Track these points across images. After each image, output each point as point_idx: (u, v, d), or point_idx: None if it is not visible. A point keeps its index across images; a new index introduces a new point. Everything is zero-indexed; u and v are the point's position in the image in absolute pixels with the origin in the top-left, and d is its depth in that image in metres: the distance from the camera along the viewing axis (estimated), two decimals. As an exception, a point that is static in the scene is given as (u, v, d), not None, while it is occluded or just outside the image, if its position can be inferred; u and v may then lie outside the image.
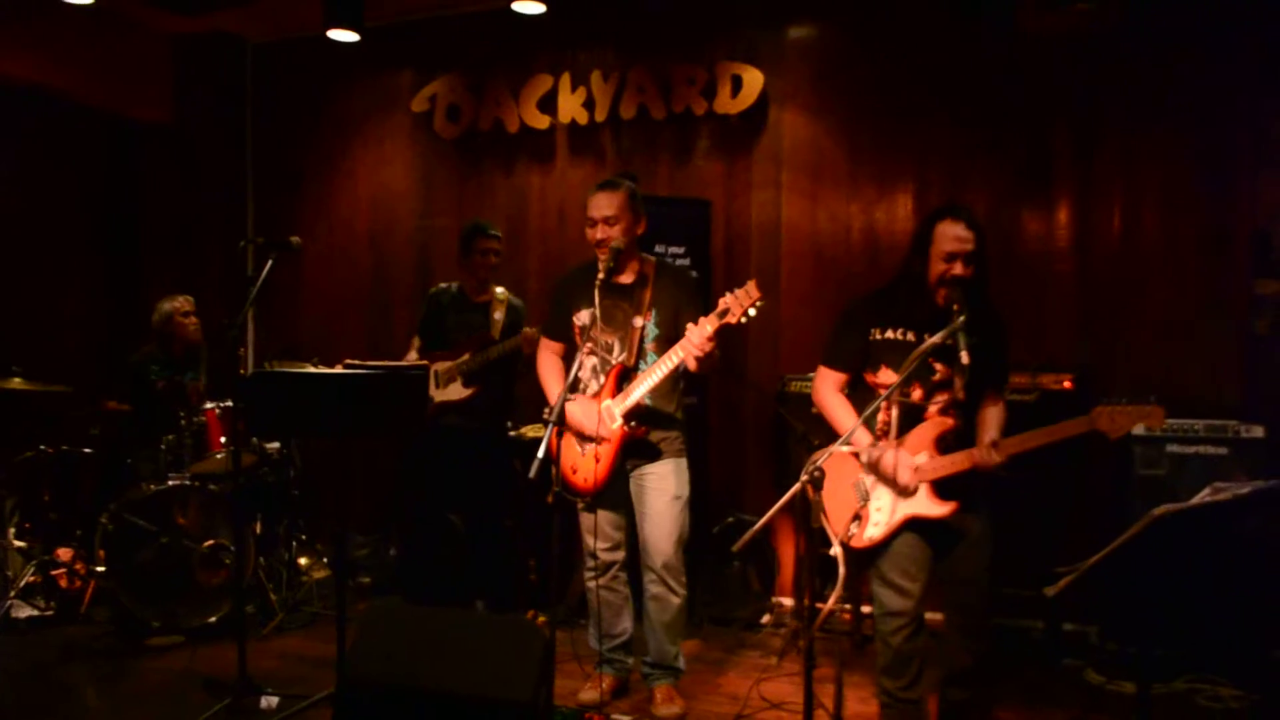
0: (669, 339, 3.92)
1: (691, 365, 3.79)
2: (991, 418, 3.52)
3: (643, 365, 3.98)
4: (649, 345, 4.00)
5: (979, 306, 3.42)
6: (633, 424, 3.94)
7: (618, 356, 4.02)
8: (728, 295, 3.64)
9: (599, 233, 3.96)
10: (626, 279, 4.06)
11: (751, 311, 3.60)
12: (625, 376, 3.97)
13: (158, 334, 5.74)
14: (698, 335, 3.67)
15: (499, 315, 5.33)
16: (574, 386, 4.03)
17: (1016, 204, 5.38)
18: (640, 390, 3.89)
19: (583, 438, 4.01)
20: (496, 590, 5.35)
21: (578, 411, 3.99)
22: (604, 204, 3.97)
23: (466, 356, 5.19)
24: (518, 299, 5.49)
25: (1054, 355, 5.04)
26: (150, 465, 5.32)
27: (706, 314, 3.72)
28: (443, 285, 5.49)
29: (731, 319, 3.62)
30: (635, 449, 4.02)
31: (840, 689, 3.31)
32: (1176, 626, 4.21)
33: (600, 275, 3.88)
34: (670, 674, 4.19)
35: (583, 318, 4.09)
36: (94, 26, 6.49)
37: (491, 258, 5.33)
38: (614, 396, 3.96)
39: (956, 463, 3.38)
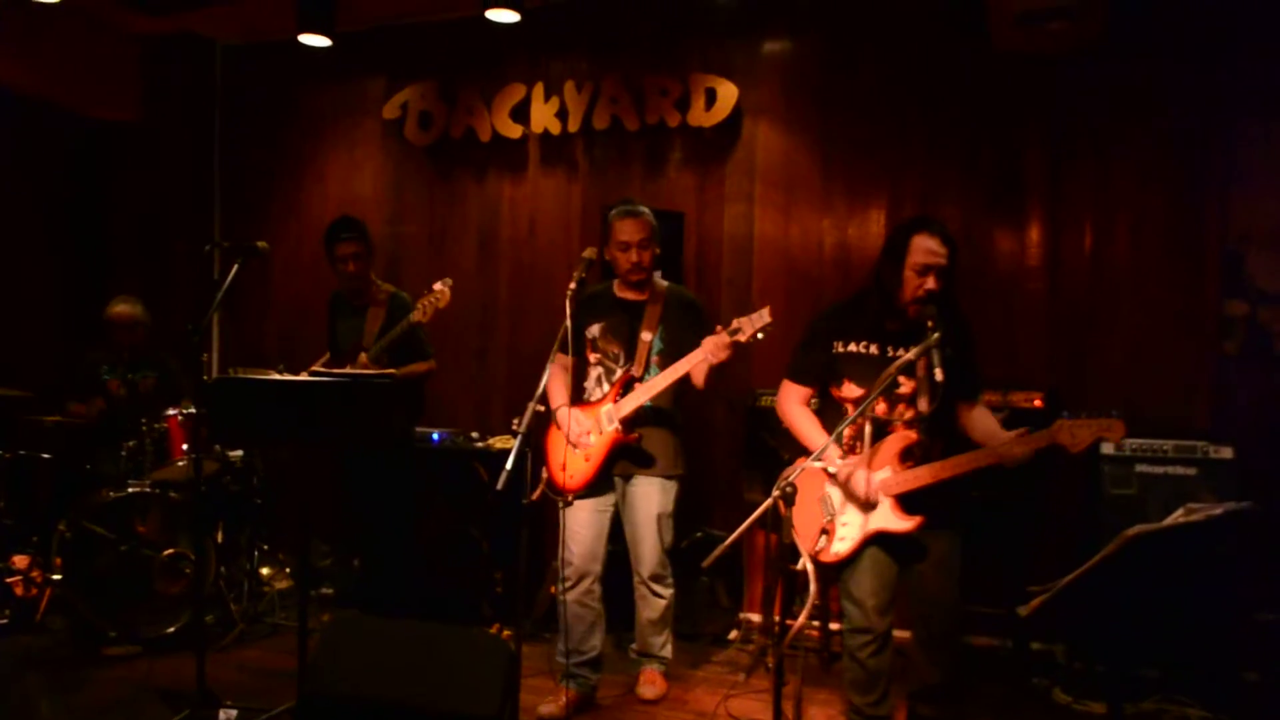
0: (672, 356, 4.13)
1: (699, 378, 4.04)
2: (990, 419, 3.53)
3: (647, 376, 4.17)
4: (654, 359, 4.20)
5: (950, 318, 3.43)
6: (627, 428, 4.12)
7: (624, 366, 4.20)
8: (742, 318, 3.82)
9: (633, 256, 4.18)
10: (639, 296, 4.29)
11: (759, 335, 3.78)
12: (630, 385, 4.15)
13: (105, 333, 5.70)
14: (715, 342, 3.82)
15: (378, 318, 5.08)
16: (578, 395, 4.30)
17: (989, 222, 5.39)
18: (643, 397, 4.10)
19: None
20: (445, 600, 5.27)
21: (568, 419, 4.19)
22: (635, 229, 4.19)
23: (348, 368, 4.97)
24: (404, 293, 5.22)
25: (1024, 373, 5.04)
26: (110, 471, 5.23)
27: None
28: (336, 291, 5.33)
29: (741, 337, 3.80)
30: (627, 454, 4.20)
31: (799, 705, 3.30)
32: (1146, 647, 4.22)
33: (572, 285, 3.88)
34: (656, 660, 4.47)
35: (592, 330, 4.31)
36: (61, 25, 6.39)
37: (350, 265, 5.09)
38: (616, 402, 4.14)
39: (920, 477, 3.39)
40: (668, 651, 4.49)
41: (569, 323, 3.95)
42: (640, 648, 4.49)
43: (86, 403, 5.62)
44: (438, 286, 4.92)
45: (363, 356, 4.99)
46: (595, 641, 4.30)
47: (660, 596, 4.35)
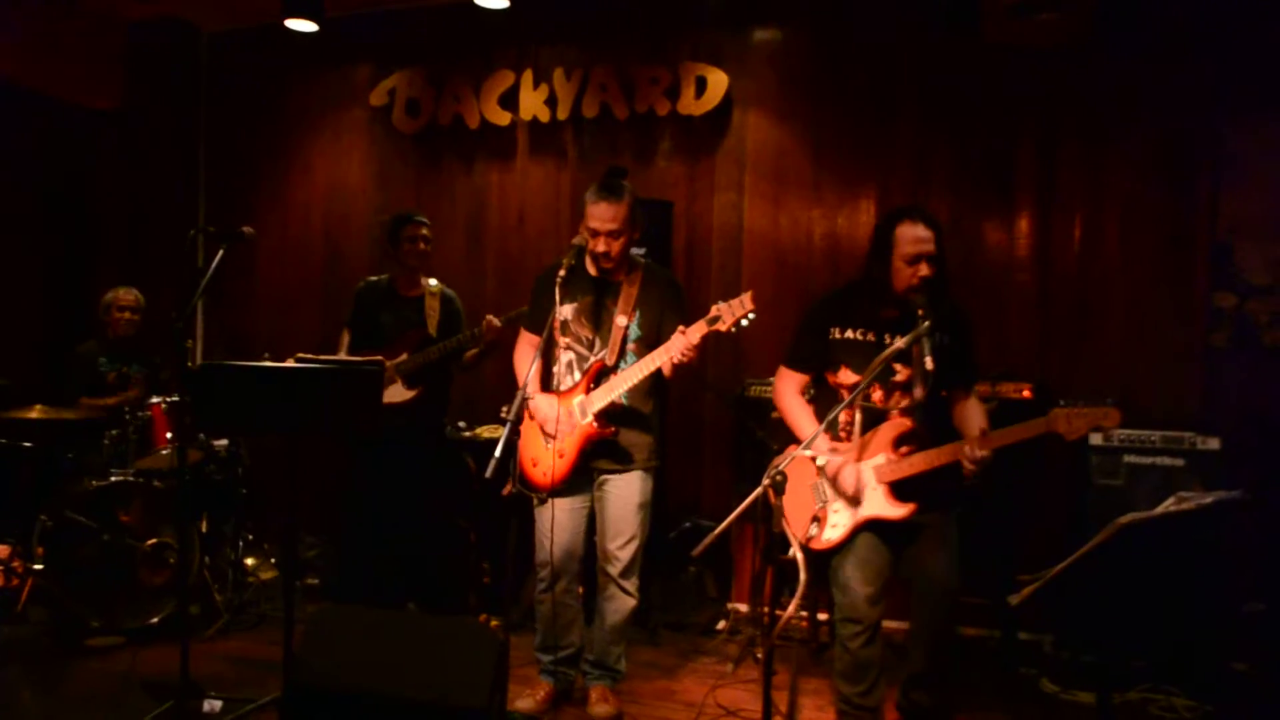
0: (650, 343, 3.88)
1: (668, 370, 3.75)
2: (974, 412, 3.52)
3: (622, 365, 3.91)
4: (630, 346, 3.94)
5: (943, 304, 3.43)
6: (602, 422, 3.86)
7: (598, 353, 3.95)
8: (721, 303, 3.59)
9: (600, 245, 3.84)
10: (614, 278, 3.98)
11: (744, 322, 3.55)
12: (603, 374, 3.90)
13: (99, 322, 5.64)
14: (684, 340, 3.62)
15: (434, 310, 5.18)
16: (547, 381, 4.03)
17: (978, 213, 5.38)
18: (618, 389, 3.83)
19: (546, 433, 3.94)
20: (432, 591, 5.26)
21: (544, 406, 3.93)
22: (608, 217, 3.81)
23: (404, 356, 5.04)
24: (451, 290, 5.35)
25: (1014, 364, 5.04)
26: (93, 460, 5.18)
27: (687, 321, 3.68)
28: (372, 279, 5.35)
29: (721, 326, 3.57)
30: (603, 450, 3.94)
31: (794, 695, 3.29)
32: (1134, 635, 4.22)
33: (562, 272, 3.84)
34: (609, 675, 4.13)
35: (564, 312, 3.98)
36: (42, 10, 6.33)
37: (421, 244, 5.16)
38: (588, 393, 3.89)
39: (914, 464, 3.39)
40: (623, 665, 4.17)
41: (558, 309, 3.90)
42: (596, 658, 4.13)
43: (117, 395, 5.55)
44: None
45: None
46: (574, 638, 4.16)
47: (630, 596, 4.03)
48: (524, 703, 4.07)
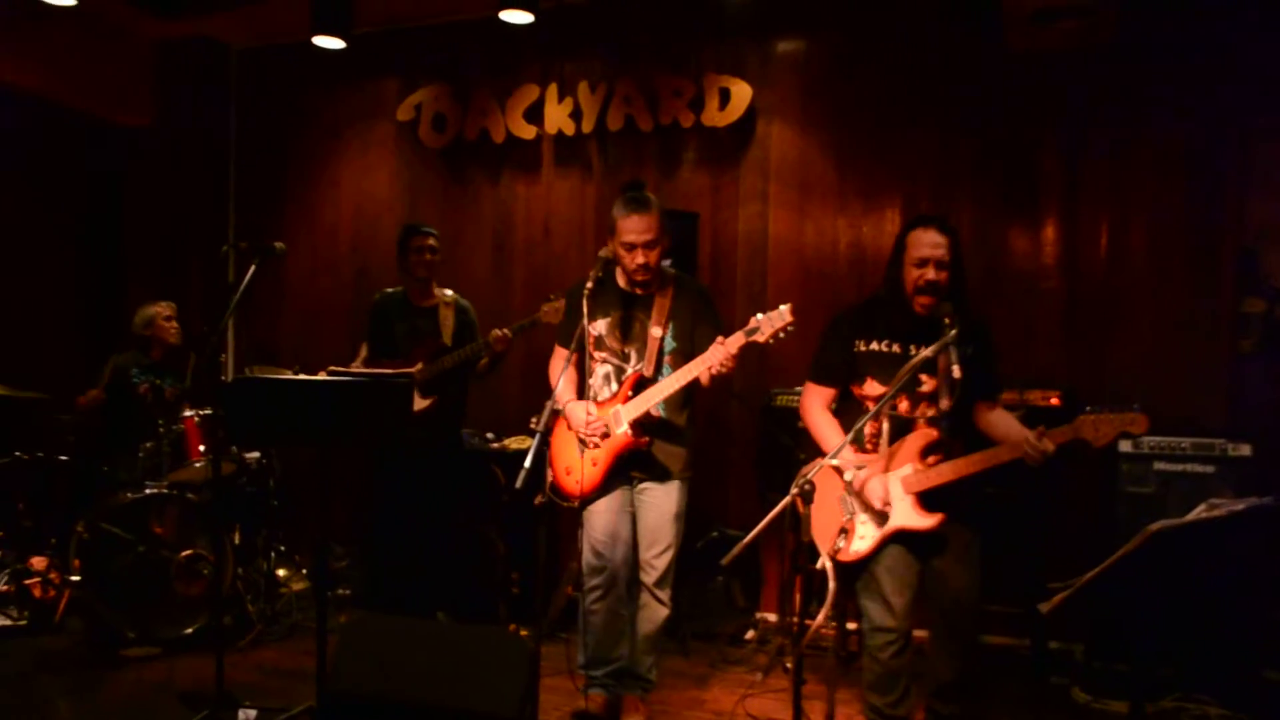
0: (685, 353, 3.90)
1: (705, 380, 3.76)
2: (1011, 419, 3.51)
3: (659, 377, 3.91)
4: (666, 358, 3.95)
5: (967, 317, 3.43)
6: (637, 432, 3.86)
7: (634, 365, 3.96)
8: (760, 315, 3.61)
9: (639, 257, 3.85)
10: (646, 291, 3.99)
11: (782, 334, 3.58)
12: (641, 385, 3.90)
13: (138, 339, 5.73)
14: (723, 351, 3.64)
15: (448, 320, 5.24)
16: (581, 395, 4.04)
17: (1004, 221, 5.38)
18: (654, 400, 3.84)
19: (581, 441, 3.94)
20: (461, 601, 5.28)
21: (577, 411, 3.93)
22: (643, 228, 3.82)
23: (420, 366, 5.07)
24: (465, 300, 5.41)
25: (1041, 372, 5.03)
26: (128, 473, 5.25)
27: (720, 330, 3.72)
28: (388, 291, 5.41)
29: (760, 338, 3.59)
30: (639, 462, 3.95)
31: (832, 706, 3.28)
32: (1166, 644, 4.19)
33: (589, 285, 3.85)
34: (640, 685, 4.12)
35: (598, 327, 4.01)
36: (76, 30, 6.43)
37: (427, 255, 5.23)
38: (625, 403, 3.90)
39: (942, 474, 3.38)
40: (654, 675, 4.15)
41: (591, 324, 3.93)
42: (628, 667, 4.09)
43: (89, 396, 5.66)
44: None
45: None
46: (624, 650, 4.05)
47: (664, 605, 4.02)
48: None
